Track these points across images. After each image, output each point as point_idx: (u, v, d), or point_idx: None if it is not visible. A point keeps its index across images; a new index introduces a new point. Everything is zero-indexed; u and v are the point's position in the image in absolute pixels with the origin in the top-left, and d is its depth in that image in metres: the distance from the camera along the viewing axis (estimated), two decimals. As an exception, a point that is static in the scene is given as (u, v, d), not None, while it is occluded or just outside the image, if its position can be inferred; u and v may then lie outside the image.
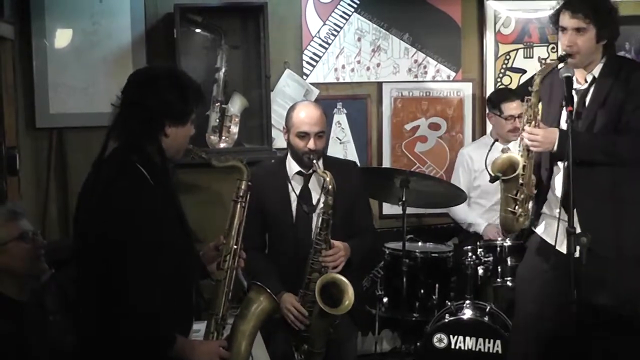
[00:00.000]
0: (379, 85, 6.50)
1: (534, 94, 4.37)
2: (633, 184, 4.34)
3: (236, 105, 5.91)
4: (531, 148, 4.37)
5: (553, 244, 4.38)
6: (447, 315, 5.26)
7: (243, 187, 3.70)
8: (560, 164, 4.45)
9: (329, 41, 6.35)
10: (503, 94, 6.14)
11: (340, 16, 6.36)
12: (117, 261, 3.06)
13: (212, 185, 6.02)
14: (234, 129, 5.90)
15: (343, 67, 6.40)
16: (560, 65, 4.35)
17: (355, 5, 6.37)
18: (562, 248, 4.26)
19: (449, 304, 5.31)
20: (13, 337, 3.58)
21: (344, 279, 4.48)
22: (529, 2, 6.61)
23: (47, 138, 5.88)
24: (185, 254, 3.34)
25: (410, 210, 5.37)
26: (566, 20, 4.31)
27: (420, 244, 5.74)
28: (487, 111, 6.22)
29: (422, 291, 5.41)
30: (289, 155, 4.82)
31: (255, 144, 6.05)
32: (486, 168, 4.60)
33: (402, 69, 6.50)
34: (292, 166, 4.77)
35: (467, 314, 5.24)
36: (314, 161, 4.61)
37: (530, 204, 4.53)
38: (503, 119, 5.93)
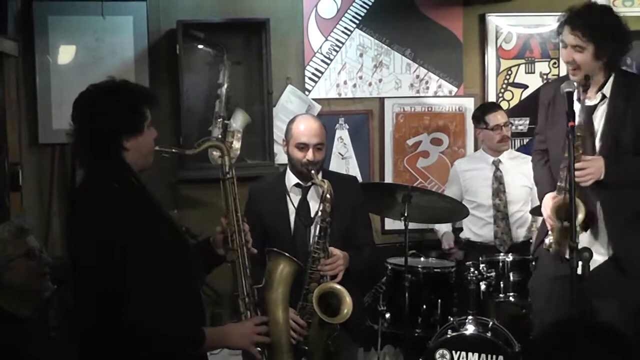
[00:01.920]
0: (381, 100, 6.51)
1: (580, 129, 4.29)
2: None
3: (238, 120, 5.92)
4: (583, 184, 4.22)
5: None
6: (449, 330, 5.24)
7: (226, 162, 3.70)
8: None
9: (331, 57, 6.37)
10: (486, 107, 6.19)
11: (342, 32, 6.39)
12: (120, 285, 3.05)
13: (215, 201, 5.99)
14: (237, 145, 5.91)
15: (345, 82, 6.41)
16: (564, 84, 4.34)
17: (357, 21, 6.40)
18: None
19: (452, 319, 5.29)
20: (16, 354, 3.58)
21: (342, 288, 4.47)
22: (530, 18, 6.63)
23: (49, 154, 5.90)
24: (182, 256, 3.33)
25: (412, 225, 5.37)
26: (566, 35, 4.29)
27: (422, 259, 5.73)
28: (474, 128, 6.25)
29: (424, 307, 5.40)
30: (287, 169, 4.84)
31: (258, 160, 6.07)
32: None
33: (404, 85, 6.51)
34: (291, 179, 4.79)
35: (470, 329, 5.22)
36: (312, 172, 4.62)
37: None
38: (491, 130, 5.97)
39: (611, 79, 4.34)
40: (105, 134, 3.16)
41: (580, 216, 4.23)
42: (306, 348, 4.47)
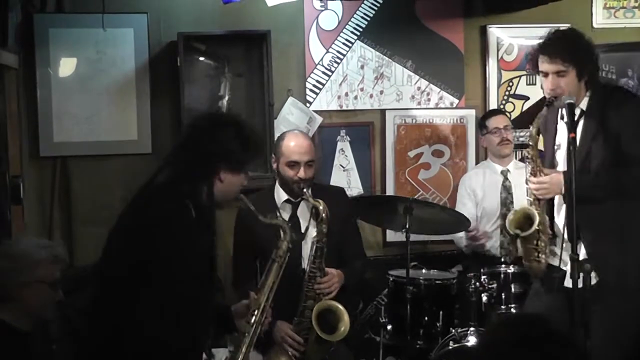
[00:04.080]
0: (382, 112, 6.50)
1: (532, 147, 4.43)
2: (634, 216, 4.35)
3: (239, 133, 5.91)
4: (540, 197, 4.41)
5: (557, 264, 4.47)
6: (451, 342, 5.23)
7: (283, 247, 3.81)
8: (560, 198, 4.50)
9: (332, 69, 6.37)
10: (487, 113, 6.29)
11: (343, 44, 6.38)
12: (144, 284, 3.12)
13: (222, 220, 5.96)
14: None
15: (346, 94, 6.41)
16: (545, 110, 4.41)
17: (358, 33, 6.40)
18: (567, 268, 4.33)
19: (453, 331, 5.27)
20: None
21: (339, 305, 4.56)
22: (532, 29, 6.62)
23: (51, 167, 5.90)
24: (208, 292, 3.38)
25: (413, 237, 5.35)
26: (545, 65, 4.34)
27: (424, 271, 5.71)
28: (480, 137, 6.30)
29: (426, 318, 5.38)
30: (277, 184, 4.91)
31: (258, 172, 6.04)
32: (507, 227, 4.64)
33: (405, 96, 6.51)
34: (281, 194, 4.89)
35: (471, 341, 5.20)
36: (304, 190, 4.68)
37: (546, 245, 4.54)
38: (491, 135, 6.01)
39: (588, 93, 4.39)
40: (211, 156, 3.35)
41: (534, 227, 4.40)
42: None
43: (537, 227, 4.41)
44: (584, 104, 4.38)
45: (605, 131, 4.29)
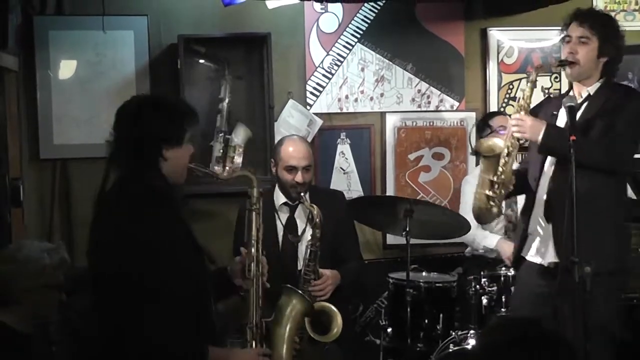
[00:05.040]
0: (383, 115, 6.50)
1: (530, 84, 4.46)
2: (607, 196, 4.39)
3: (240, 135, 5.92)
4: (515, 134, 4.41)
5: (539, 261, 4.53)
6: (451, 345, 5.23)
7: (255, 194, 3.76)
8: (547, 167, 4.52)
9: (333, 71, 6.37)
10: (488, 114, 6.26)
11: (344, 46, 6.38)
12: (138, 292, 3.07)
13: (224, 213, 5.98)
14: (238, 160, 5.90)
15: (347, 97, 6.41)
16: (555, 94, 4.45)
17: (359, 36, 6.39)
18: (548, 259, 4.46)
19: (453, 333, 5.27)
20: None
21: (333, 307, 4.66)
22: (532, 32, 6.63)
23: (51, 169, 5.90)
24: (200, 273, 3.35)
25: (414, 240, 5.35)
26: (573, 29, 4.44)
27: (424, 273, 5.70)
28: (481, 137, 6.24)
29: (426, 321, 5.38)
30: (276, 187, 5.08)
31: (259, 175, 6.01)
32: (470, 145, 4.68)
33: (405, 99, 6.50)
34: (279, 197, 5.05)
35: (472, 343, 5.20)
36: (302, 194, 4.84)
37: (504, 192, 4.52)
38: (497, 134, 5.94)
39: (600, 82, 4.45)
40: (147, 139, 3.23)
41: (494, 153, 4.48)
42: None
43: (503, 155, 4.43)
44: (592, 89, 4.44)
45: (601, 117, 4.34)
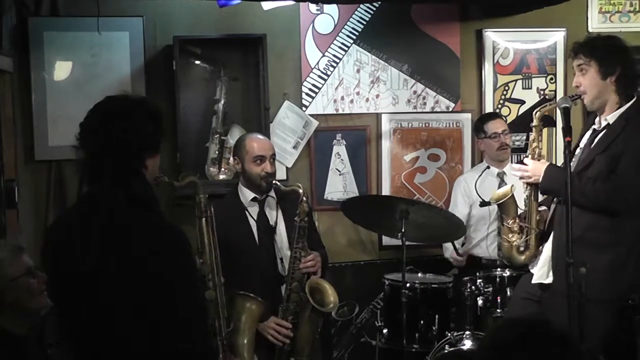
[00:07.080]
0: (378, 116, 6.50)
1: (535, 129, 4.51)
2: (602, 230, 4.35)
3: (235, 137, 5.90)
4: (521, 181, 4.59)
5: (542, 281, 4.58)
6: (447, 346, 5.24)
7: (203, 200, 3.71)
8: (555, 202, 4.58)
9: (328, 73, 6.37)
10: (484, 117, 6.26)
11: (339, 48, 6.38)
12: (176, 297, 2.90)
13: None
14: (234, 161, 5.89)
15: (342, 98, 6.40)
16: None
17: (354, 37, 6.39)
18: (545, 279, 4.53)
19: (449, 334, 5.28)
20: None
21: (327, 283, 4.81)
22: (528, 33, 6.63)
23: (46, 170, 5.87)
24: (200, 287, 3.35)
25: (409, 241, 5.35)
26: (573, 63, 4.48)
27: (419, 275, 5.71)
28: (476, 140, 6.24)
29: (421, 322, 5.38)
30: (240, 185, 5.10)
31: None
32: (476, 191, 4.72)
33: (401, 100, 6.50)
34: (246, 194, 5.06)
35: (467, 344, 5.21)
36: (274, 182, 4.93)
37: (533, 240, 4.61)
38: (489, 139, 6.00)
39: (623, 108, 4.39)
40: (134, 147, 3.00)
41: (504, 199, 4.68)
42: (293, 348, 4.71)
43: (515, 204, 4.62)
44: (612, 117, 4.39)
45: (614, 148, 4.31)
